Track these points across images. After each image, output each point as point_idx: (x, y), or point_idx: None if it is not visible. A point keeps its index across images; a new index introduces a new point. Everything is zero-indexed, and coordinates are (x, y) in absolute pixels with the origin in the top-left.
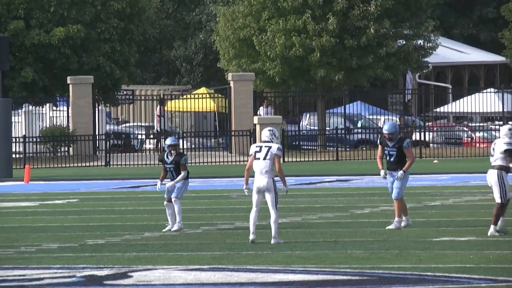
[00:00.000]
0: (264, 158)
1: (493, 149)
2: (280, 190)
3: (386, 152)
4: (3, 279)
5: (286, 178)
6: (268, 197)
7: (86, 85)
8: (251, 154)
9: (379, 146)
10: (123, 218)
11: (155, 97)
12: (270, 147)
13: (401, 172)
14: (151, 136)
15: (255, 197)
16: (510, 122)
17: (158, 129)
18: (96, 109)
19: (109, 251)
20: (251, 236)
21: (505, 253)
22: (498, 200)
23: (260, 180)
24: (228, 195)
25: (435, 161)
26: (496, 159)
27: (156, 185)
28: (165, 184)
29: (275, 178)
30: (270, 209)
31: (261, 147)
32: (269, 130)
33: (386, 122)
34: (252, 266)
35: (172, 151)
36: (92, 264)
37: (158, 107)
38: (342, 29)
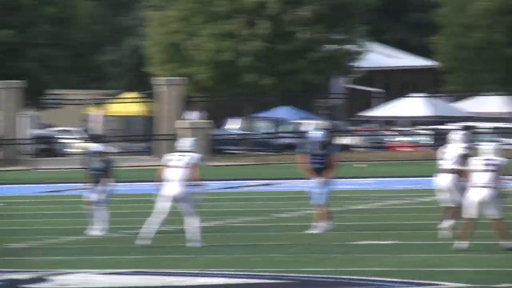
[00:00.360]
0: (181, 166)
1: (445, 153)
2: (197, 194)
3: (313, 158)
4: None
5: (210, 182)
6: (186, 206)
7: (15, 90)
8: (167, 162)
9: (304, 152)
10: (45, 222)
11: (85, 101)
12: (189, 156)
13: (324, 178)
14: (80, 140)
15: (164, 204)
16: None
17: (94, 132)
18: (25, 113)
19: (30, 255)
20: (145, 242)
21: (423, 256)
22: (451, 204)
23: (174, 188)
24: (150, 199)
25: (360, 165)
26: (450, 163)
27: (81, 189)
28: (91, 189)
29: (192, 184)
30: (190, 215)
31: (180, 155)
32: (192, 140)
33: (318, 129)
34: (173, 270)
35: (99, 157)
36: (13, 268)
37: (96, 111)
38: (274, 34)
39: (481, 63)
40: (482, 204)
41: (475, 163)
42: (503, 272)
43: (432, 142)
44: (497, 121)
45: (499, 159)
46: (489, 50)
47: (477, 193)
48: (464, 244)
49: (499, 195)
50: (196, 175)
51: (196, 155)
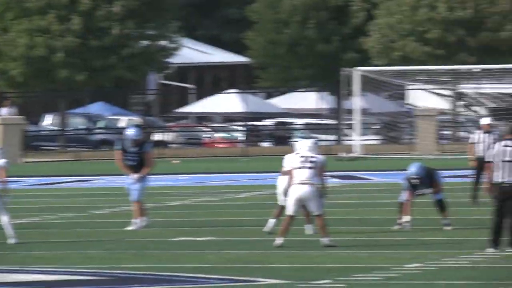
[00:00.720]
0: None
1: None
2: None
3: (127, 155)
4: None
5: (26, 178)
6: None
7: None
8: None
9: (119, 149)
10: None
11: None
12: None
13: (139, 175)
14: None
15: None
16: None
17: None
18: None
19: None
20: None
21: (242, 253)
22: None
23: None
24: None
25: (175, 161)
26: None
27: None
28: None
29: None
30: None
31: None
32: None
33: (131, 126)
34: None
35: None
36: None
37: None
38: (86, 29)
39: (294, 59)
40: (301, 200)
41: (293, 160)
42: (323, 269)
43: (245, 138)
44: (311, 117)
45: (317, 156)
46: (302, 46)
47: (296, 190)
48: (280, 240)
49: (320, 192)
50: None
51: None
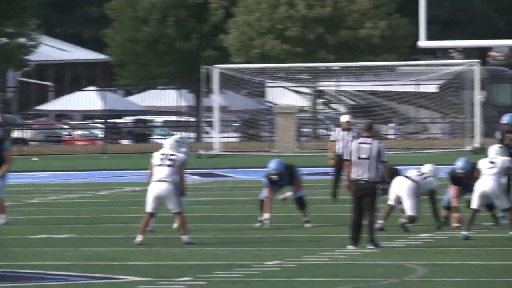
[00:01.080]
0: None
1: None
2: None
3: None
4: None
5: None
6: None
7: None
8: None
9: None
10: None
11: None
12: None
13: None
14: None
15: None
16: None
17: None
18: None
19: None
20: None
21: (102, 251)
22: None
23: None
24: None
25: (34, 159)
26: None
27: None
28: None
29: None
30: None
31: None
32: None
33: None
34: None
35: None
36: None
37: None
38: None
39: (153, 57)
40: (160, 198)
41: (155, 157)
42: (184, 266)
43: (104, 136)
44: (171, 115)
45: (177, 154)
46: (161, 44)
47: (155, 187)
48: (140, 237)
49: (179, 189)
50: None
51: None
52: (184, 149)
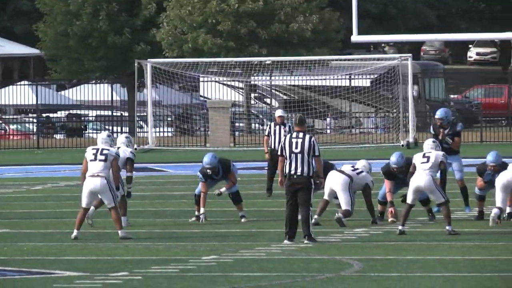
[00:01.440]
0: None
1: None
2: None
3: None
4: None
5: None
6: None
7: None
8: None
9: None
10: None
11: None
12: None
13: None
14: None
15: None
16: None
17: None
18: None
19: None
20: None
21: (38, 245)
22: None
23: None
24: None
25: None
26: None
27: None
28: None
29: None
30: None
31: None
32: None
33: None
34: None
35: None
36: None
37: None
38: None
39: (86, 51)
40: (94, 193)
41: (88, 152)
42: (120, 261)
43: (37, 130)
44: (104, 109)
45: (110, 148)
46: (93, 38)
47: (89, 182)
48: (76, 232)
49: (114, 184)
50: None
51: None
52: (131, 148)
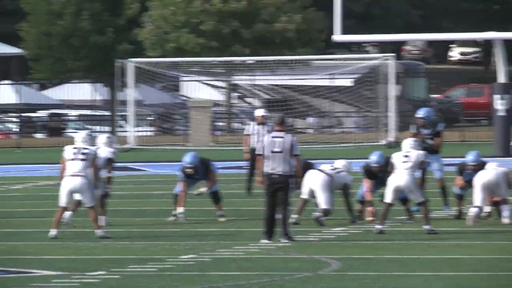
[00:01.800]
0: None
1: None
2: None
3: None
4: None
5: None
6: None
7: None
8: None
9: None
10: None
11: None
12: None
13: None
14: None
15: None
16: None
17: None
18: None
19: None
20: None
21: (16, 245)
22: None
23: None
24: None
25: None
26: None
27: None
28: None
29: None
30: None
31: None
32: None
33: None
34: None
35: None
36: None
37: None
38: None
39: (68, 51)
40: (74, 192)
41: (68, 151)
42: (98, 260)
43: (19, 130)
44: (85, 109)
45: (90, 148)
46: (75, 37)
47: (68, 181)
48: (54, 231)
49: (93, 184)
50: None
51: None
52: (113, 148)
